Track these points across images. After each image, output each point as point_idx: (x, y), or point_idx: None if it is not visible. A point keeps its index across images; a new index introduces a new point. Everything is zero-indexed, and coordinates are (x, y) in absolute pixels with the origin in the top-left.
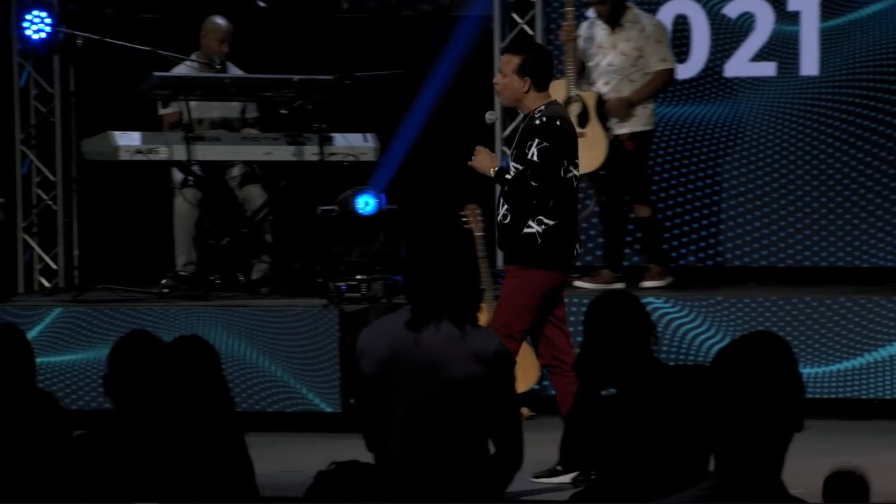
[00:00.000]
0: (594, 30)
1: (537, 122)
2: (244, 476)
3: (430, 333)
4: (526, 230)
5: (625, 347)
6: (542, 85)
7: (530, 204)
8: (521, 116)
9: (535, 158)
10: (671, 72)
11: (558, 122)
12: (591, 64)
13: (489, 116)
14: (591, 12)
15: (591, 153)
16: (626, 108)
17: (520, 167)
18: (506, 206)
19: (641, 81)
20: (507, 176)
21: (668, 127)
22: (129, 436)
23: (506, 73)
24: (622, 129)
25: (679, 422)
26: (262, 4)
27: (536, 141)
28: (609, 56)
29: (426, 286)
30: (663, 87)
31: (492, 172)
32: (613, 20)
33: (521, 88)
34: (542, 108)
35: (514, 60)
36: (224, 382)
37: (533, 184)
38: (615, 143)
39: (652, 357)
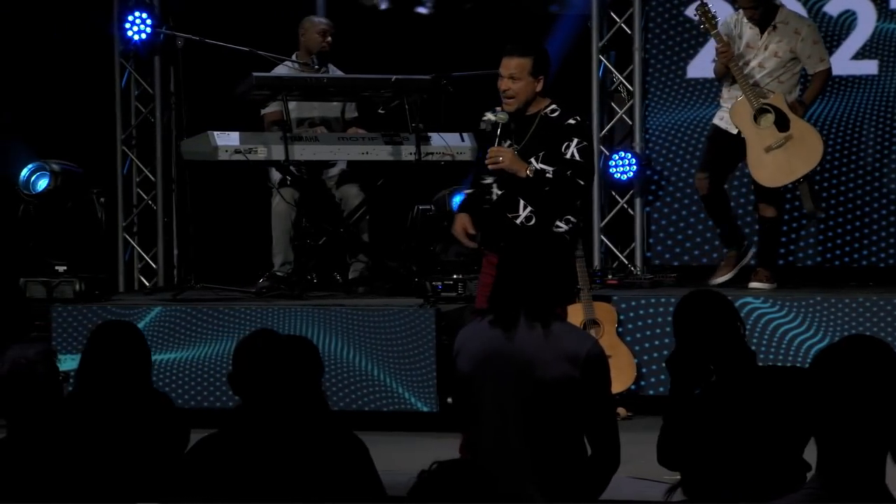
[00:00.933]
0: (741, 28)
1: (571, 121)
2: (366, 473)
3: (523, 333)
4: (555, 230)
5: (713, 346)
6: (547, 83)
7: (570, 203)
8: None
9: (578, 158)
10: (830, 70)
11: (588, 122)
12: (738, 63)
13: (500, 116)
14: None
15: (808, 148)
16: (804, 110)
17: (548, 168)
18: (529, 208)
19: (789, 82)
20: (548, 176)
21: None
22: (260, 433)
23: (521, 77)
24: None
25: (770, 423)
26: None
27: (576, 141)
28: (760, 57)
29: (520, 286)
30: (825, 87)
31: (529, 172)
32: (766, 22)
33: (536, 89)
34: (554, 107)
35: (527, 63)
36: (320, 386)
37: (581, 182)
38: None
39: (745, 356)
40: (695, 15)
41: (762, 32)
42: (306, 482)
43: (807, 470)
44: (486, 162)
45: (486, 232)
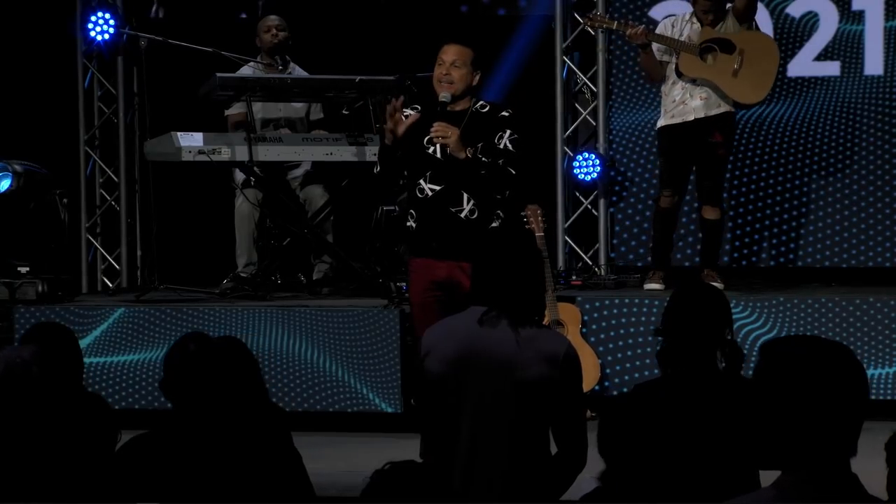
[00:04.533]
0: (681, 26)
1: (504, 113)
2: (295, 475)
3: (501, 334)
4: (493, 225)
5: (703, 340)
6: (482, 83)
7: (500, 196)
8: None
9: (511, 148)
10: None
11: (519, 116)
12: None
13: (444, 96)
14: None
15: (764, 47)
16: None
17: (484, 158)
18: (473, 202)
19: None
20: (484, 159)
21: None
22: (191, 436)
23: (462, 66)
24: (717, 109)
25: (722, 429)
26: None
27: (509, 132)
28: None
29: (498, 287)
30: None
31: (468, 154)
32: (714, 23)
33: (473, 82)
34: (483, 103)
35: (468, 53)
36: (262, 384)
37: (511, 172)
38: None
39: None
40: (595, 27)
41: (709, 27)
42: (231, 485)
43: (757, 487)
44: (434, 133)
45: (423, 228)
